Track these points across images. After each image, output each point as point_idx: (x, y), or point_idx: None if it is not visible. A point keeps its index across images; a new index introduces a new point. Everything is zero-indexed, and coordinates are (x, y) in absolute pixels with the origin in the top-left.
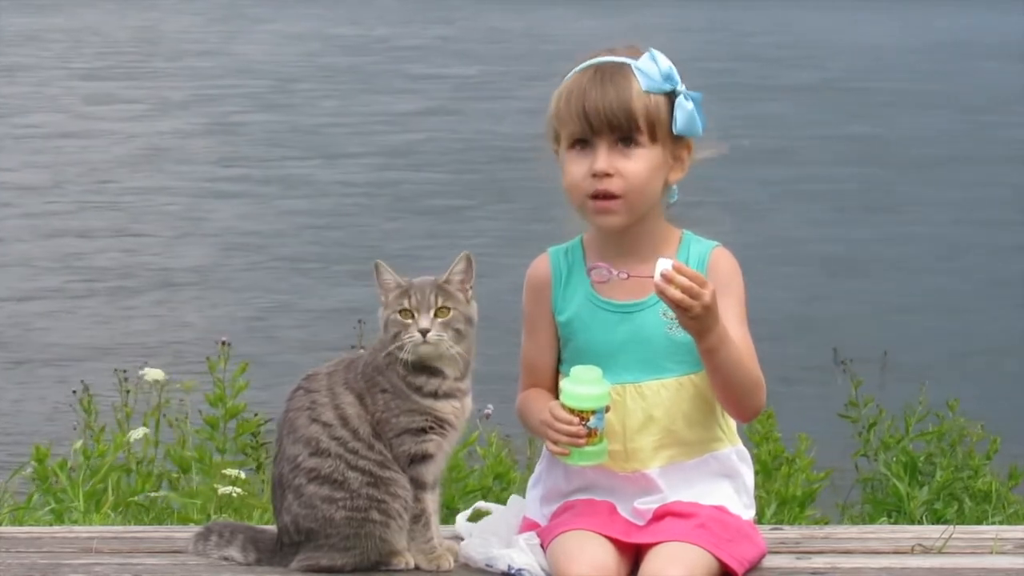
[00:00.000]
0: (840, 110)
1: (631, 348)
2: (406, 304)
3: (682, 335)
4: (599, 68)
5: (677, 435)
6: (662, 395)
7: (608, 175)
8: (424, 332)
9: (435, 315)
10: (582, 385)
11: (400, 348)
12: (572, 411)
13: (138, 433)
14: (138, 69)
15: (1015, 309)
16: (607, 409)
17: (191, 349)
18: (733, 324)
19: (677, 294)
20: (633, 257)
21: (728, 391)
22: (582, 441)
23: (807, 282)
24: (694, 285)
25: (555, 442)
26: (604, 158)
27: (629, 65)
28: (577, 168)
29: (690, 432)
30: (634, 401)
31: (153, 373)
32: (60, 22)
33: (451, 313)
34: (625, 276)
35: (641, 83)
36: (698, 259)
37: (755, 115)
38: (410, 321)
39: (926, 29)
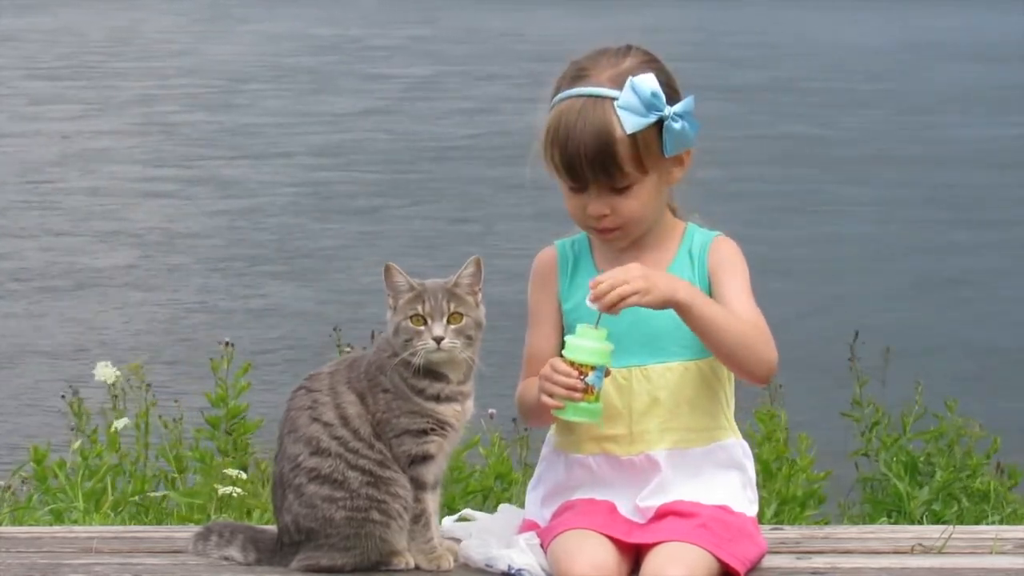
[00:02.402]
0: (781, 110)
1: (636, 332)
2: (419, 310)
3: None
4: (580, 113)
5: (683, 419)
6: (667, 378)
7: (604, 215)
8: (438, 340)
9: (448, 322)
10: (585, 339)
11: (412, 354)
12: (572, 364)
13: (121, 423)
14: (97, 69)
15: (941, 310)
16: (607, 373)
17: (116, 350)
18: (738, 293)
19: (613, 294)
20: (637, 250)
21: (725, 349)
22: (578, 396)
23: None
24: (613, 276)
25: (551, 394)
26: (597, 203)
27: (612, 103)
28: (573, 205)
29: (695, 418)
30: (639, 384)
31: (105, 372)
32: (45, 22)
33: (463, 320)
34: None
35: (625, 125)
36: (700, 247)
37: (698, 116)
38: (423, 328)
39: (912, 30)
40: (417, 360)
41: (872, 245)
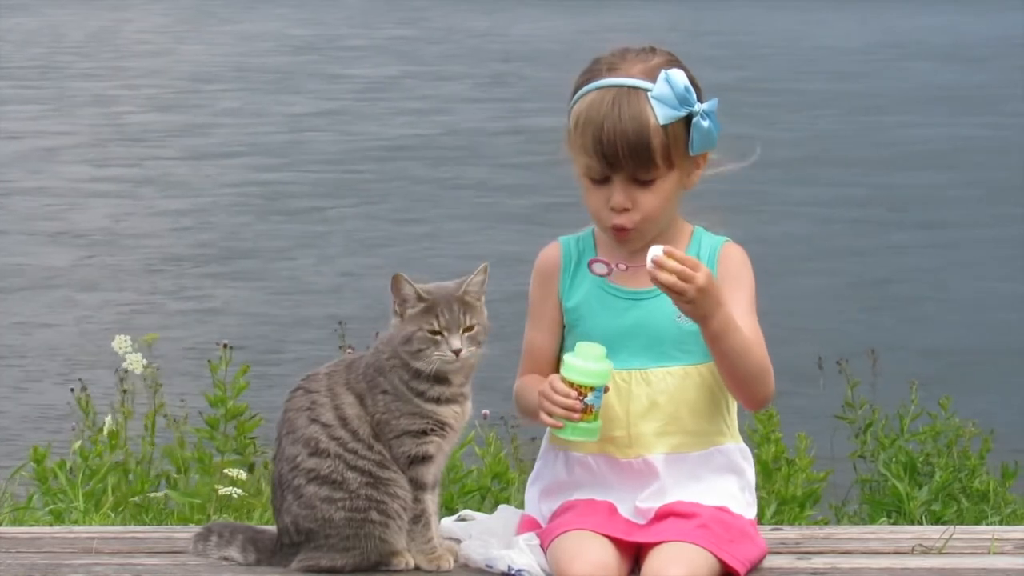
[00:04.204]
0: (738, 111)
1: (638, 335)
2: (436, 324)
3: (691, 324)
4: (616, 100)
5: (681, 423)
6: (667, 382)
7: (626, 209)
8: (457, 352)
9: (463, 331)
10: (585, 360)
11: (428, 363)
12: (571, 385)
13: (109, 422)
14: (64, 70)
15: (872, 312)
16: (606, 389)
17: (61, 351)
18: (742, 313)
19: (669, 278)
20: (645, 252)
21: (735, 378)
22: (576, 416)
23: None
24: (686, 269)
25: (550, 413)
26: (621, 194)
27: (645, 94)
28: (595, 199)
29: (694, 422)
30: (639, 387)
31: (134, 360)
32: (28, 22)
33: (476, 328)
34: (624, 268)
35: (659, 116)
36: (709, 253)
37: None
38: (440, 339)
39: (890, 30)
40: (430, 369)
41: (809, 245)
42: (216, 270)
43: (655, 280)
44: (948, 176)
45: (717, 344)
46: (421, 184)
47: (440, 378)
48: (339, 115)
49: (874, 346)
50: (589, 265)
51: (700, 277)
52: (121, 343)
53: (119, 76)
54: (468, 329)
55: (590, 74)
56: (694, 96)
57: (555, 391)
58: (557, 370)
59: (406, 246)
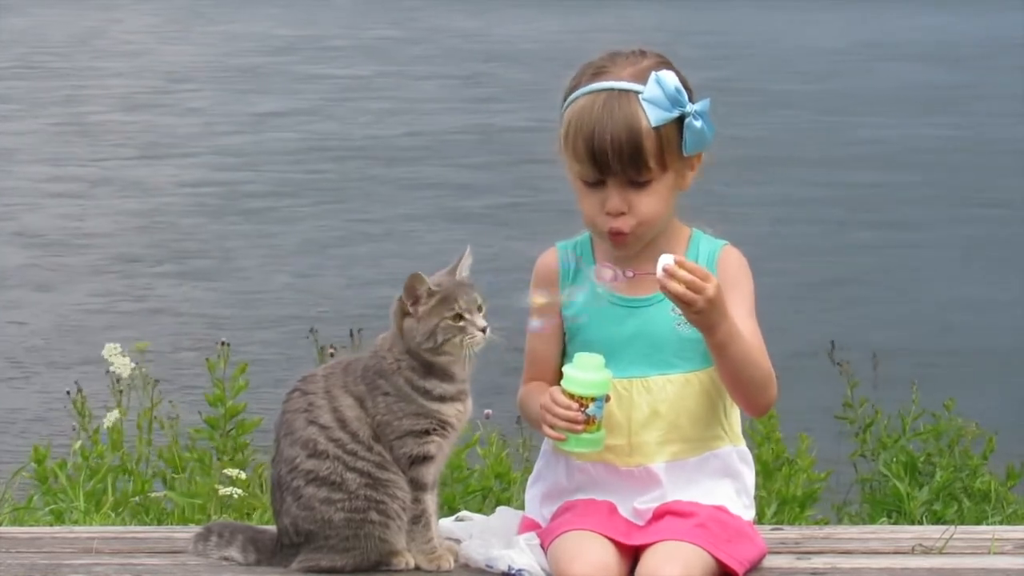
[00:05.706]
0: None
1: (639, 343)
2: (456, 308)
3: (690, 331)
4: (606, 104)
5: (681, 431)
6: (668, 390)
7: (622, 213)
8: (484, 330)
9: (479, 311)
10: (584, 371)
11: (457, 351)
12: (572, 396)
13: (111, 418)
14: (40, 70)
15: (826, 312)
16: (607, 399)
17: (15, 352)
18: (742, 318)
19: (679, 288)
20: (643, 256)
21: (739, 386)
22: (579, 427)
23: None
24: (696, 279)
25: (552, 426)
26: (616, 198)
27: (636, 96)
28: (590, 204)
29: (694, 429)
30: (640, 395)
31: (119, 363)
32: (18, 23)
33: (484, 307)
34: (631, 275)
35: (650, 118)
36: (708, 257)
37: None
38: (464, 323)
39: (877, 31)
40: (461, 355)
41: (764, 246)
42: (170, 270)
43: (664, 289)
44: (910, 176)
45: (721, 353)
46: (382, 184)
47: (444, 374)
48: (307, 115)
49: (864, 346)
50: (595, 272)
51: (710, 288)
52: (111, 351)
53: (95, 76)
54: (480, 308)
55: (580, 78)
56: (686, 97)
57: (556, 404)
58: (560, 376)
59: (362, 246)
